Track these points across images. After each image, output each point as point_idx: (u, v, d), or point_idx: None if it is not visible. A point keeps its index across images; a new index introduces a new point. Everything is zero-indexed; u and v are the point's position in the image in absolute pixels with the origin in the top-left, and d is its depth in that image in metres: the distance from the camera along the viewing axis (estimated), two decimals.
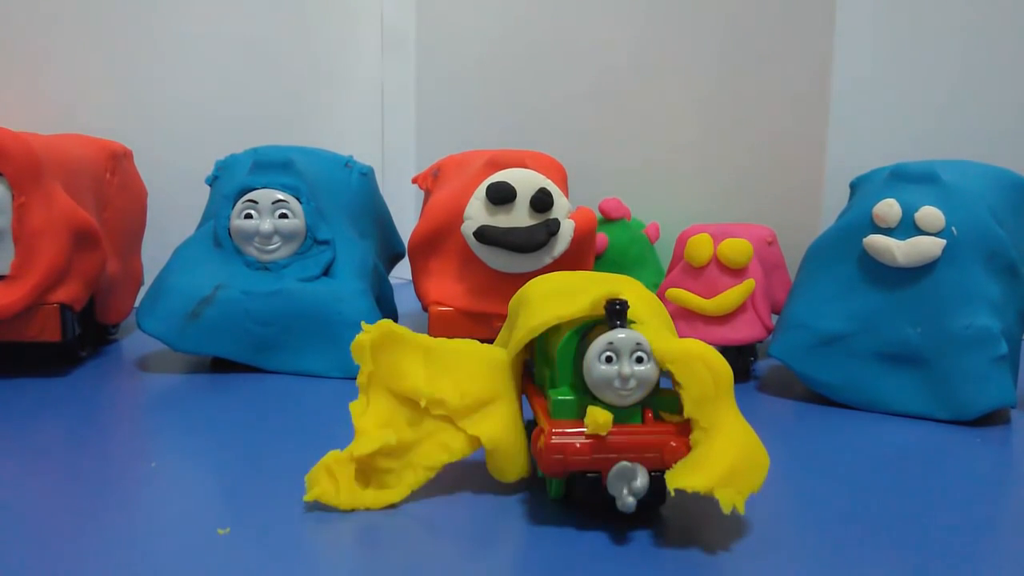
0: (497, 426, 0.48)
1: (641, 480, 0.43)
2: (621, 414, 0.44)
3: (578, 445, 0.43)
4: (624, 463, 0.43)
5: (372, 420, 0.48)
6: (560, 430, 0.44)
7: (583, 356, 0.45)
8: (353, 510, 0.47)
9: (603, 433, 0.44)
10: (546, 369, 0.48)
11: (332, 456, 0.48)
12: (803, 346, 0.67)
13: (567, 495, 0.47)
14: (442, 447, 0.48)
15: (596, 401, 0.45)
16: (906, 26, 0.90)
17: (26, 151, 0.70)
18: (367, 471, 0.48)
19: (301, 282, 0.74)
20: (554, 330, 0.48)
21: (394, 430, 0.48)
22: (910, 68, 0.91)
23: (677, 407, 0.45)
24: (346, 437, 0.49)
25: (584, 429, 0.44)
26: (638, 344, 0.44)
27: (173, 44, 1.03)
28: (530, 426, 0.50)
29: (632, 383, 0.44)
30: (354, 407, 0.49)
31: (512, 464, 0.48)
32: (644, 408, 0.45)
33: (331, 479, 0.47)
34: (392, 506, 0.47)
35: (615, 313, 0.44)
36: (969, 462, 0.57)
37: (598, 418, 0.43)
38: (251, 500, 0.48)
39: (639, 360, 0.44)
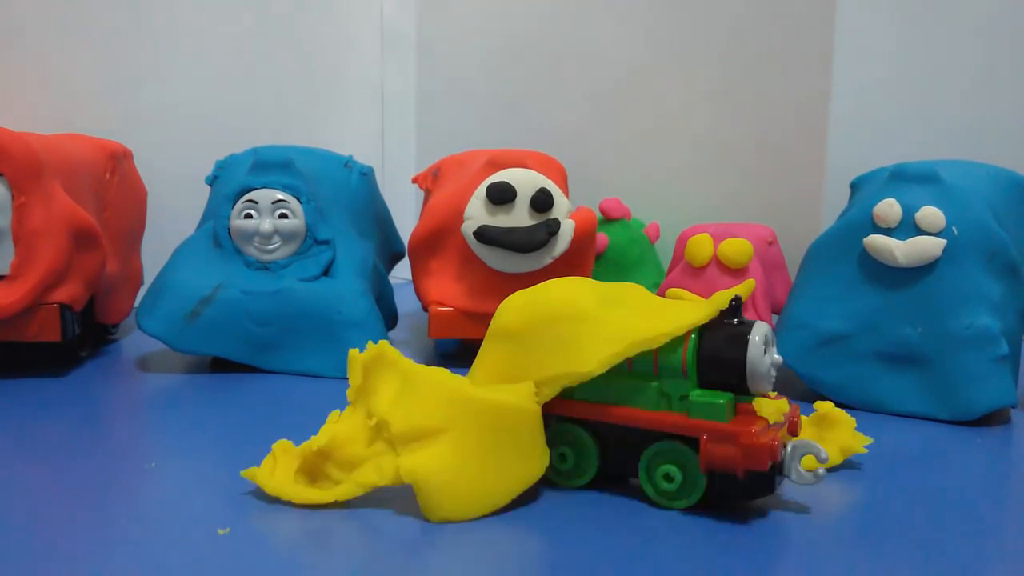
0: (425, 460, 0.46)
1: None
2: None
3: (775, 443, 0.45)
4: (800, 442, 0.47)
5: (337, 428, 0.49)
6: (758, 431, 0.45)
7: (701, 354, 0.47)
8: (277, 497, 0.47)
9: (781, 420, 0.47)
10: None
11: (281, 444, 0.49)
12: (804, 346, 0.67)
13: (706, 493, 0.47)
14: (376, 468, 0.47)
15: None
16: (906, 26, 0.90)
17: (26, 151, 0.70)
18: (316, 473, 0.49)
19: (301, 282, 0.74)
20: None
21: (354, 444, 0.48)
22: (911, 68, 0.91)
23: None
24: None
25: (761, 427, 0.46)
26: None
27: (173, 44, 1.03)
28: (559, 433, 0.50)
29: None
30: (332, 415, 0.50)
31: (439, 501, 0.45)
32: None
33: (272, 463, 0.49)
34: (312, 506, 0.47)
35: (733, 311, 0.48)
36: (969, 462, 0.57)
37: (783, 406, 0.47)
38: (251, 500, 0.48)
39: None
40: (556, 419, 0.50)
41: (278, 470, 0.48)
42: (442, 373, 0.50)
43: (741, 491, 0.46)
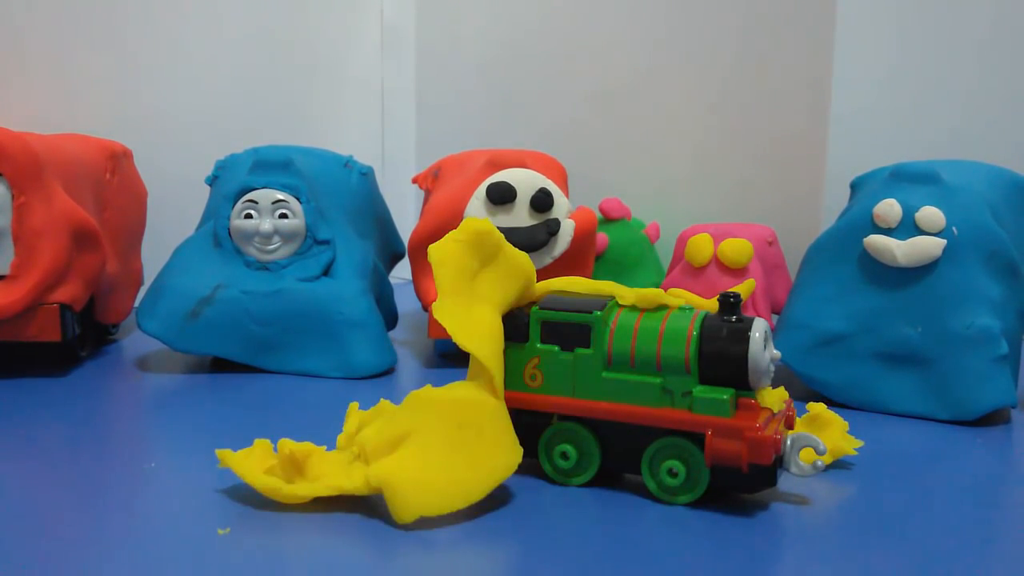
0: (392, 463, 0.46)
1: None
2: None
3: (777, 436, 0.46)
4: (798, 435, 0.48)
5: (319, 451, 0.50)
6: (761, 426, 0.46)
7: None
8: (244, 481, 0.48)
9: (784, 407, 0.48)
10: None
11: (261, 443, 0.50)
12: (803, 346, 0.67)
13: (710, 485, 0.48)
14: (345, 474, 0.48)
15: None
16: (906, 27, 0.90)
17: (26, 151, 0.70)
18: (295, 470, 0.49)
19: (301, 282, 0.74)
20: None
21: (329, 465, 0.49)
22: (910, 68, 0.91)
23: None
24: None
25: (762, 421, 0.46)
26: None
27: (173, 44, 1.03)
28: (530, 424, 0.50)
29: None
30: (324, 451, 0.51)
31: (406, 500, 0.45)
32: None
33: (249, 455, 0.50)
34: (288, 503, 0.47)
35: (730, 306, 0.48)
36: (969, 462, 0.57)
37: (783, 394, 0.48)
38: (251, 500, 0.48)
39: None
40: (557, 418, 0.50)
41: (252, 460, 0.49)
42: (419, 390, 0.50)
43: (743, 484, 0.47)
